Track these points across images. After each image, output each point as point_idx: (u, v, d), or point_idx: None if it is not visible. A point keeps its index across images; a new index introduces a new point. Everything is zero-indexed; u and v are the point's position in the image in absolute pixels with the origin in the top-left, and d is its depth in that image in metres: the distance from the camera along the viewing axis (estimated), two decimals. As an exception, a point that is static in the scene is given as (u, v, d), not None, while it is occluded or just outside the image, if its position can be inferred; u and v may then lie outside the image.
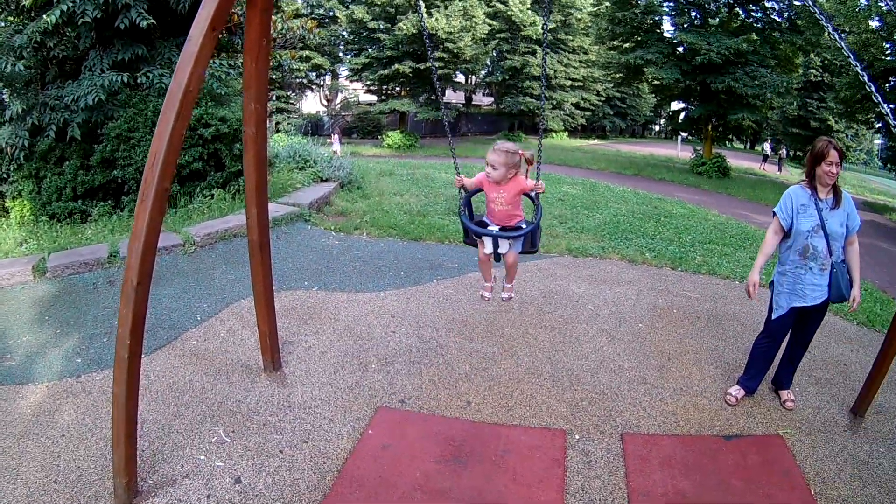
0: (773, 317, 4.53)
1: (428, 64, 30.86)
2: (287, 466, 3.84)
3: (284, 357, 5.19)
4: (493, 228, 4.23)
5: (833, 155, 4.14)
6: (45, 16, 8.04)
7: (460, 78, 41.62)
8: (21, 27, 8.99)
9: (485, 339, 5.69)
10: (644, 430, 4.33)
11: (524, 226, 4.30)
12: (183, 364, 5.11)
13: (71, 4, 8.13)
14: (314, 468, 3.83)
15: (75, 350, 5.34)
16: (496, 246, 4.21)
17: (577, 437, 4.23)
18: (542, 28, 3.74)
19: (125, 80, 9.03)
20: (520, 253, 4.35)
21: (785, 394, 4.76)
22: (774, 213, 4.44)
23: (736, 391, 4.75)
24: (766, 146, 38.95)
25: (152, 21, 8.68)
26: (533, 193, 4.13)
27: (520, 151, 4.07)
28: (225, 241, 8.13)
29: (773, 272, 4.65)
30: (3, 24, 9.54)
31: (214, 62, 10.03)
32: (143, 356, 5.02)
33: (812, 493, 3.72)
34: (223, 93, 10.06)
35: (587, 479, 3.79)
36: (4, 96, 9.50)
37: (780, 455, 4.05)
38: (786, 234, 4.40)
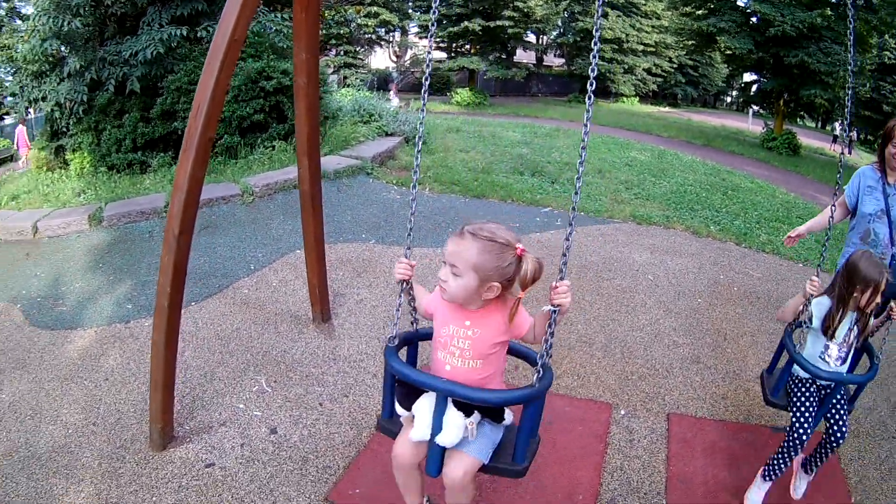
0: None
1: (499, 23, 30.49)
2: (325, 420, 3.83)
3: (334, 309, 5.19)
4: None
5: None
6: None
7: (531, 38, 41.05)
8: None
9: (540, 303, 5.54)
10: (692, 411, 4.13)
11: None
12: (232, 312, 5.17)
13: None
14: (352, 423, 3.81)
15: (126, 296, 5.47)
16: (436, 429, 2.10)
17: (622, 412, 4.06)
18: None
19: (184, 34, 9.15)
20: (484, 468, 2.22)
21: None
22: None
23: None
24: (837, 126, 37.36)
25: None
26: (540, 317, 2.19)
27: (518, 246, 2.08)
28: (284, 191, 8.18)
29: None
30: None
31: (276, 16, 10.05)
32: (193, 303, 5.23)
33: (852, 501, 3.45)
34: (285, 46, 10.06)
35: (627, 458, 3.62)
36: (64, 53, 9.71)
37: None
38: (851, 215, 4.12)
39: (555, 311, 2.09)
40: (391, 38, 43.65)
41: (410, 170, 9.86)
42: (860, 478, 3.63)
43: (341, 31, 33.15)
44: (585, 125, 2.04)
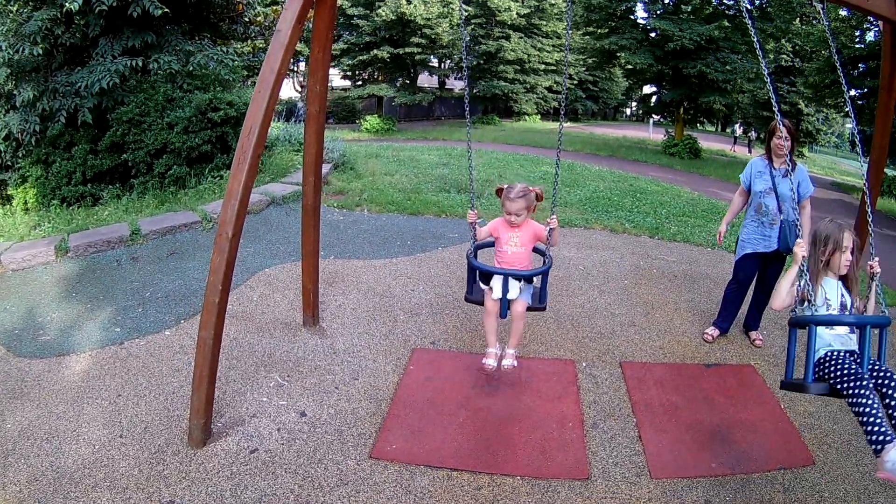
0: (735, 259, 5.50)
1: (407, 49, 31.23)
2: (345, 399, 4.45)
3: (319, 314, 5.71)
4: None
5: (781, 130, 5.02)
6: (67, 3, 8.26)
7: (434, 62, 41.96)
8: (28, 16, 9.13)
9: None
10: (638, 359, 5.19)
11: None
12: (224, 325, 5.53)
13: (91, -8, 8.37)
14: (369, 398, 4.46)
15: (111, 321, 5.59)
16: (505, 290, 4.00)
17: (584, 364, 5.05)
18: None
19: (137, 66, 9.32)
20: (527, 310, 4.18)
21: (754, 334, 5.64)
22: None
23: (712, 330, 5.62)
24: (737, 128, 40.01)
25: (166, 10, 8.97)
26: (546, 231, 4.07)
27: (530, 188, 4.07)
28: (240, 218, 8.49)
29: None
30: (14, 9, 9.63)
31: (223, 49, 10.43)
32: (183, 321, 5.60)
33: (782, 408, 4.56)
34: (231, 79, 10.46)
35: (597, 395, 4.61)
36: (3, 84, 9.55)
37: (752, 380, 4.91)
38: (750, 197, 5.35)
39: (552, 230, 4.05)
40: (296, 69, 43.68)
41: (345, 193, 10.48)
42: (784, 392, 4.61)
43: (252, 63, 33.16)
44: (559, 142, 4.50)
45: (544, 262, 4.11)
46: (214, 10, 11.77)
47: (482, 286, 4.18)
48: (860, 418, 2.77)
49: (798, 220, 5.02)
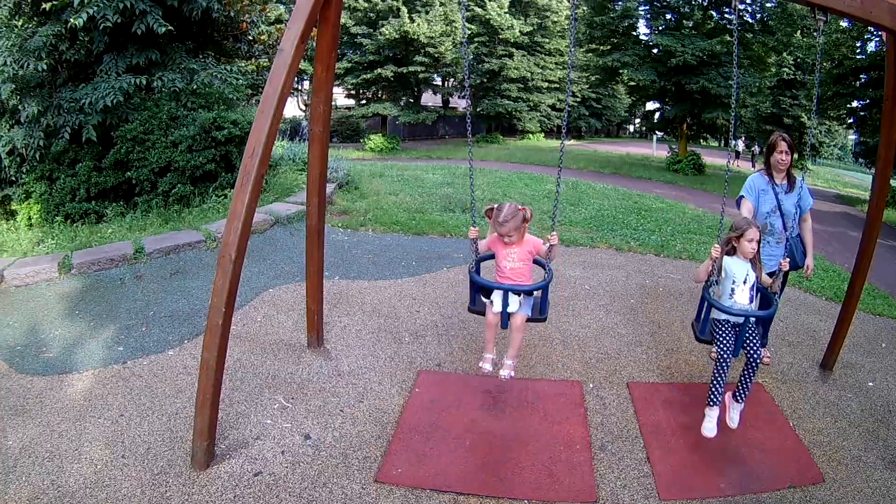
0: None
1: (411, 68, 31.33)
2: (350, 422, 4.39)
3: (324, 335, 5.68)
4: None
5: (782, 145, 5.00)
6: (71, 19, 8.30)
7: (437, 81, 42.01)
8: (33, 31, 9.18)
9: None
10: (646, 379, 5.15)
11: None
12: (228, 346, 5.50)
13: (96, 9, 8.39)
14: (374, 421, 4.40)
15: (114, 340, 5.57)
16: (505, 304, 4.11)
17: (591, 385, 5.01)
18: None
19: (141, 84, 9.34)
20: (527, 321, 4.27)
21: (761, 352, 5.48)
22: (742, 197, 5.23)
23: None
24: (740, 143, 40.02)
25: (170, 27, 9.00)
26: (545, 247, 4.17)
27: (519, 208, 4.12)
28: (244, 237, 8.48)
29: None
30: (19, 24, 9.68)
31: (227, 68, 10.46)
32: (187, 341, 5.56)
33: (791, 425, 4.54)
34: (235, 97, 10.48)
35: (605, 416, 4.57)
36: (7, 99, 9.54)
37: (761, 398, 4.87)
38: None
39: (552, 246, 4.12)
40: (300, 88, 43.80)
41: (350, 213, 10.49)
42: (793, 409, 4.79)
43: (256, 82, 33.32)
44: (560, 162, 4.30)
45: (545, 276, 4.15)
46: (218, 28, 11.83)
47: (483, 299, 4.29)
48: (713, 378, 4.08)
49: (801, 234, 4.99)
